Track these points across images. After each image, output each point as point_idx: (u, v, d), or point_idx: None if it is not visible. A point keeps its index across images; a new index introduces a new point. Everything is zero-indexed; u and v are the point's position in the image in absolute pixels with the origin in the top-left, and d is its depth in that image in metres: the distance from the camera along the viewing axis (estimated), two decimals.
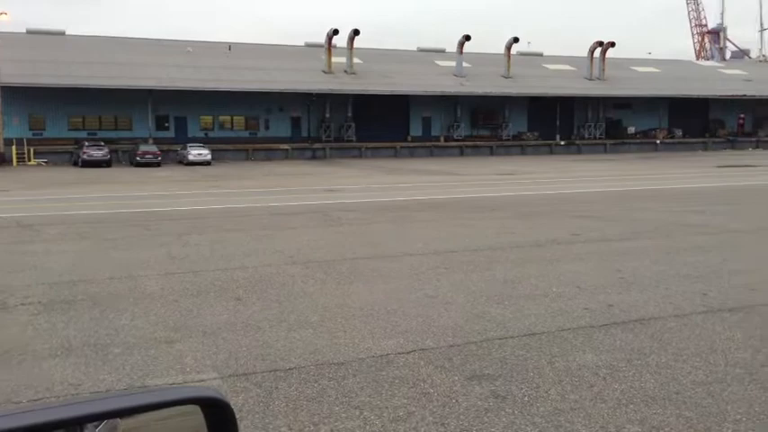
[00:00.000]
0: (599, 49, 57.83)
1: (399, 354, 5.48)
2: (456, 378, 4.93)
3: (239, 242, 11.71)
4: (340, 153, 49.32)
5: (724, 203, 17.99)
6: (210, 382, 4.84)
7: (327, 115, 52.23)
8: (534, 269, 9.02)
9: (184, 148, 43.19)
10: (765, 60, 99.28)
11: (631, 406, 4.42)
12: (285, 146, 49.30)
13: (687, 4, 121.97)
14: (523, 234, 12.42)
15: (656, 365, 5.17)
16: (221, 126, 52.52)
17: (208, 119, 51.90)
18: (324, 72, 52.07)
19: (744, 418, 4.22)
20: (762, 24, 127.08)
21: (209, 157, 42.01)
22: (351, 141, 51.63)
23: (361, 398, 4.60)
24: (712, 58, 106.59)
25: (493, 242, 11.47)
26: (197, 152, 42.16)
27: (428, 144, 53.19)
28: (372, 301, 7.26)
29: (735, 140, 60.21)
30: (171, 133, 49.89)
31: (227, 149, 46.97)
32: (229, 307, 7.09)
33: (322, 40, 53.10)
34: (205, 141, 45.75)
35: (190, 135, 49.10)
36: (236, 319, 6.60)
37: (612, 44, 57.70)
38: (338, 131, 52.48)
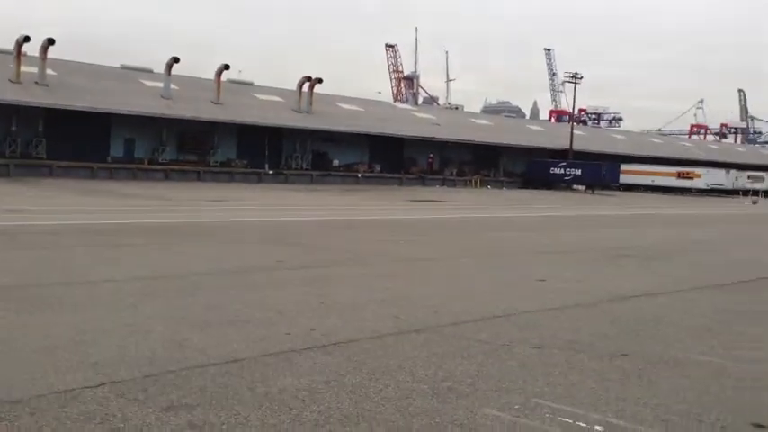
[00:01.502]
0: (307, 84, 60.17)
1: (87, 388, 5.02)
2: (150, 410, 4.64)
3: None
4: (27, 171, 44.58)
5: (416, 234, 19.66)
6: None
7: (14, 129, 47.14)
8: (239, 295, 8.94)
9: None
10: (450, 107, 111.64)
11: (327, 426, 4.53)
12: None
13: (386, 51, 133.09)
14: (230, 260, 12.29)
15: (351, 385, 5.39)
16: None
17: None
18: (11, 81, 46.93)
19: (425, 430, 4.57)
20: (448, 76, 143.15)
21: None
22: (41, 159, 47.09)
23: None
24: (407, 101, 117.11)
25: (198, 268, 11.17)
26: None
27: (131, 166, 50.53)
28: (59, 333, 6.60)
29: (425, 178, 66.45)
30: None
31: None
32: None
33: (10, 46, 47.99)
34: None
35: None
36: None
37: (320, 80, 60.40)
38: (26, 147, 47.58)
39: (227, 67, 56.19)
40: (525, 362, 6.28)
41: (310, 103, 60.16)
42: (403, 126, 66.82)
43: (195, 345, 6.36)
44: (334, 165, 62.83)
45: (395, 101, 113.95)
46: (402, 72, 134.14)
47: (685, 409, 5.18)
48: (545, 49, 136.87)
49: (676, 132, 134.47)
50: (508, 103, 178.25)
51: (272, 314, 7.85)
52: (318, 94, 61.77)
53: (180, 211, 24.39)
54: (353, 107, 67.43)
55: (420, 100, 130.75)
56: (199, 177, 51.87)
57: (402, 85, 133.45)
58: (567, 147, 73.36)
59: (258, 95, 61.54)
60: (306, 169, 59.85)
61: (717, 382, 5.90)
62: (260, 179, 54.81)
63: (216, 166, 55.02)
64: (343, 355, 6.24)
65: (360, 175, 61.28)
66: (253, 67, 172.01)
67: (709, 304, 9.90)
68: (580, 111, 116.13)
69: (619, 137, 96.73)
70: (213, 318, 7.54)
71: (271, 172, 56.47)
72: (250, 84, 65.17)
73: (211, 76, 56.28)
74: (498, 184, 70.21)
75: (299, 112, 59.71)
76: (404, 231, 20.18)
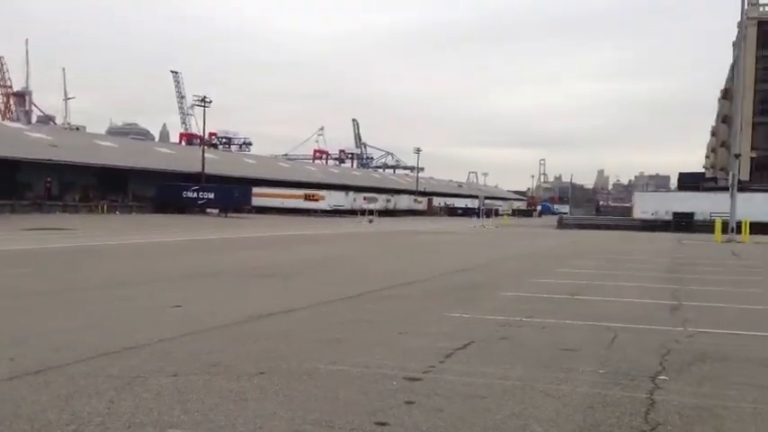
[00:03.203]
0: None
1: None
2: None
3: None
4: None
5: (30, 265, 17.75)
6: None
7: None
8: None
9: None
10: (70, 127, 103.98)
11: None
12: None
13: None
14: None
15: None
16: None
17: None
18: None
19: None
20: (66, 93, 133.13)
21: None
22: None
23: None
24: (19, 120, 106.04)
25: None
26: None
27: None
28: None
29: (43, 204, 60.63)
30: None
31: None
32: None
33: None
34: None
35: None
36: None
37: None
38: None
39: None
40: (161, 392, 6.00)
41: None
42: (14, 147, 60.18)
43: None
44: None
45: (3, 119, 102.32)
46: (11, 87, 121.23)
47: (318, 417, 5.42)
48: (172, 71, 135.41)
49: (301, 157, 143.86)
50: (135, 125, 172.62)
51: None
52: None
53: None
54: None
55: (34, 119, 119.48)
56: None
57: (12, 101, 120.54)
58: (200, 170, 73.39)
59: None
60: None
61: (344, 389, 6.31)
62: None
63: None
64: None
65: None
66: None
67: (338, 316, 10.62)
68: (211, 134, 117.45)
69: (250, 161, 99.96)
70: None
71: None
72: None
73: None
74: (128, 210, 67.25)
75: None
76: (16, 263, 18.07)
